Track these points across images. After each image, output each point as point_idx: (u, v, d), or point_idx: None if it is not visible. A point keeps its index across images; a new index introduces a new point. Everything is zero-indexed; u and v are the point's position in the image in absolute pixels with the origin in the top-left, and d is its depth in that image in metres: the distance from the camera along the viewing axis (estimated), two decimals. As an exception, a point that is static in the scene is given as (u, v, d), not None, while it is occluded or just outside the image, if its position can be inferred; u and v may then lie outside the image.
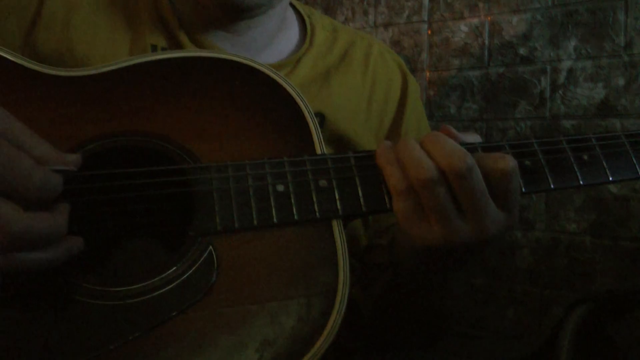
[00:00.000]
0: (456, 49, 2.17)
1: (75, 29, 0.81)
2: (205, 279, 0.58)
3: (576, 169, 0.69)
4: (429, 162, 0.60)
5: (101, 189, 0.60)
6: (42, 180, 0.51)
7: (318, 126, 0.68)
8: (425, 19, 2.24)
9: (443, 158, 0.60)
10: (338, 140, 0.89)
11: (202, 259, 0.59)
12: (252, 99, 0.69)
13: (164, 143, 0.64)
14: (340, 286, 0.59)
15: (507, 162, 0.61)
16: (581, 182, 0.68)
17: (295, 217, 0.61)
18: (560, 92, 1.97)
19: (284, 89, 0.69)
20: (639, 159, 0.72)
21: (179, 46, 0.84)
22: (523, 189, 0.65)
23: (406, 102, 0.98)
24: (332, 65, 0.94)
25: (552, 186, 0.67)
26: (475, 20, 2.13)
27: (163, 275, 0.58)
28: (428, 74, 2.23)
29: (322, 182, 0.63)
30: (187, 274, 0.58)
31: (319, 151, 0.66)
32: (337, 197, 0.63)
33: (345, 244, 0.62)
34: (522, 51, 2.04)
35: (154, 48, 0.83)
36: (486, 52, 2.11)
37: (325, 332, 0.57)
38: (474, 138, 0.68)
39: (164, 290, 0.57)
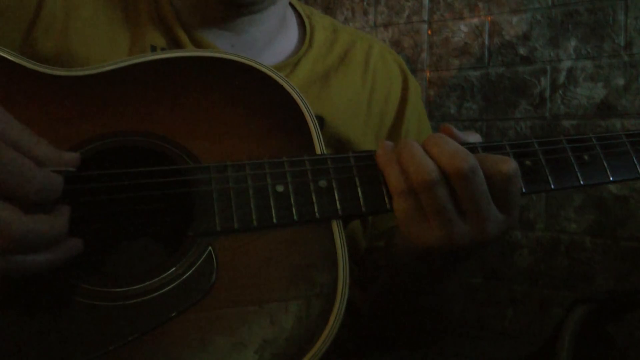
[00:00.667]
0: (456, 49, 2.17)
1: (74, 29, 0.81)
2: (204, 279, 0.58)
3: (576, 169, 0.68)
4: (430, 163, 0.60)
5: (100, 189, 0.60)
6: (42, 181, 0.51)
7: (318, 127, 0.68)
8: (425, 19, 2.23)
9: (446, 159, 0.60)
10: (338, 143, 0.88)
11: (201, 259, 0.59)
12: (252, 99, 0.69)
13: (164, 143, 0.64)
14: (339, 287, 0.59)
15: (509, 164, 0.61)
16: (581, 182, 0.68)
17: (295, 217, 0.61)
18: (560, 92, 1.97)
19: (284, 89, 0.69)
20: (640, 159, 0.71)
21: (178, 46, 0.84)
22: (523, 189, 0.65)
23: (407, 102, 0.97)
24: (331, 66, 0.93)
25: (552, 186, 0.67)
26: (475, 20, 2.13)
27: (162, 276, 0.58)
28: (428, 74, 2.23)
29: (322, 183, 0.63)
30: (187, 275, 0.58)
31: (318, 152, 0.66)
32: (336, 197, 0.63)
33: (345, 244, 0.62)
34: (522, 51, 2.04)
35: (154, 49, 0.83)
36: (486, 52, 2.11)
37: (325, 333, 0.57)
38: (474, 137, 0.68)
39: (163, 291, 0.57)
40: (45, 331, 0.54)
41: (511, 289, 2.08)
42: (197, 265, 0.59)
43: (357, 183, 0.64)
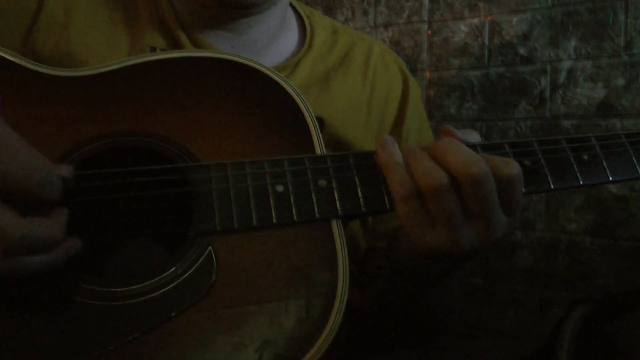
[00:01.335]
0: (456, 49, 2.17)
1: (74, 30, 0.81)
2: (204, 279, 0.58)
3: (576, 169, 0.68)
4: (440, 170, 0.60)
5: (100, 188, 0.60)
6: (40, 183, 0.50)
7: (318, 127, 0.68)
8: (425, 19, 2.23)
9: (459, 165, 0.59)
10: (338, 144, 0.88)
11: (201, 259, 0.59)
12: (252, 100, 0.69)
13: (164, 143, 0.64)
14: (339, 286, 0.59)
15: (513, 167, 0.60)
16: (581, 182, 0.68)
17: (295, 217, 0.61)
18: (560, 92, 1.97)
19: (285, 90, 0.69)
20: (639, 158, 0.71)
21: (178, 47, 0.84)
22: (523, 190, 0.65)
23: (407, 103, 0.97)
24: (331, 67, 0.93)
25: (552, 186, 0.67)
26: (475, 20, 2.13)
27: (162, 276, 0.58)
28: (428, 74, 2.23)
29: (322, 182, 0.63)
30: (187, 275, 0.58)
31: (318, 152, 0.66)
32: (336, 197, 0.63)
33: (345, 244, 0.62)
34: (522, 51, 2.04)
35: (153, 49, 0.83)
36: (486, 52, 2.11)
37: (325, 333, 0.57)
38: (472, 136, 0.68)
39: (163, 290, 0.57)
40: (45, 331, 0.54)
41: (511, 289, 2.08)
42: (197, 265, 0.59)
43: (357, 183, 0.64)
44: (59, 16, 0.81)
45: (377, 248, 0.90)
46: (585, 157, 0.69)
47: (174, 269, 0.58)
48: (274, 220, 0.61)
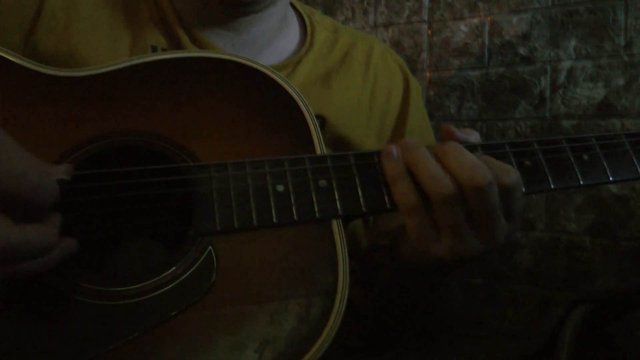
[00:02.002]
0: (456, 49, 2.17)
1: (75, 29, 0.81)
2: (204, 279, 0.58)
3: (576, 169, 0.68)
4: (447, 178, 0.59)
5: (100, 188, 0.60)
6: (33, 189, 0.50)
7: (318, 127, 0.68)
8: (425, 19, 2.23)
9: (464, 173, 0.59)
10: (339, 143, 0.88)
11: (201, 259, 0.59)
12: (253, 100, 0.69)
13: (164, 143, 0.64)
14: (340, 286, 0.59)
15: (512, 176, 0.61)
16: (581, 182, 0.68)
17: (295, 217, 0.61)
18: (560, 92, 1.97)
19: (285, 90, 0.69)
20: (639, 159, 0.71)
21: (178, 46, 0.84)
22: (524, 189, 0.65)
23: (409, 103, 0.97)
24: (332, 66, 0.93)
25: (552, 186, 0.67)
26: (475, 20, 2.13)
27: (162, 275, 0.58)
28: (428, 74, 2.23)
29: (322, 182, 0.63)
30: (187, 274, 0.58)
31: (319, 152, 0.66)
32: (336, 197, 0.63)
33: (345, 244, 0.62)
34: (522, 51, 2.04)
35: (154, 49, 0.83)
36: (486, 52, 2.11)
37: (325, 332, 0.57)
38: (473, 135, 0.68)
39: (163, 290, 0.57)
40: (45, 330, 0.54)
41: (511, 289, 2.07)
42: (197, 264, 0.59)
43: (357, 183, 0.64)
44: (60, 15, 0.81)
45: (379, 246, 0.90)
46: (586, 157, 0.69)
47: (174, 268, 0.58)
48: (274, 220, 0.61)
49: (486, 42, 2.11)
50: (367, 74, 0.96)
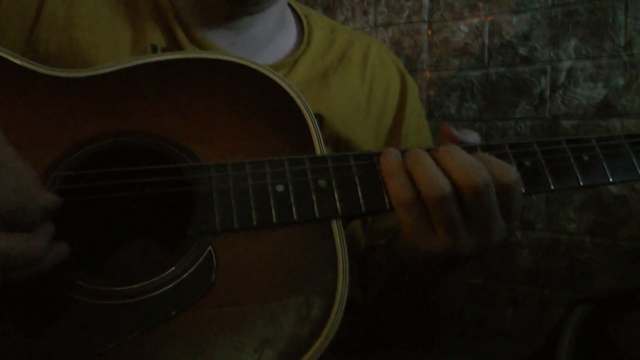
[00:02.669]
0: (456, 49, 2.17)
1: (77, 27, 0.81)
2: (204, 278, 0.58)
3: (576, 170, 0.68)
4: (443, 178, 0.60)
5: (100, 188, 0.60)
6: (21, 208, 0.50)
7: (318, 127, 0.68)
8: (425, 19, 2.23)
9: (461, 174, 0.59)
10: (337, 141, 0.89)
11: (201, 258, 0.59)
12: (252, 100, 0.69)
13: (164, 143, 0.64)
14: (339, 286, 0.59)
15: (511, 175, 0.61)
16: (581, 183, 0.68)
17: (295, 217, 0.61)
18: (560, 92, 1.97)
19: (284, 90, 0.69)
20: (639, 160, 0.72)
21: (177, 45, 0.84)
22: (523, 190, 0.65)
23: (405, 103, 0.98)
24: (330, 65, 0.94)
25: (552, 187, 0.67)
26: (475, 20, 2.13)
27: (162, 275, 0.58)
28: (428, 74, 2.23)
29: (322, 182, 0.63)
30: (187, 274, 0.58)
31: (318, 152, 0.66)
32: (336, 197, 0.63)
33: (345, 244, 0.62)
34: (522, 51, 2.04)
35: (154, 48, 0.83)
36: (486, 52, 2.11)
37: (325, 332, 0.57)
38: (472, 136, 0.68)
39: (163, 289, 0.57)
40: (44, 330, 0.54)
41: (511, 289, 2.07)
42: (196, 264, 0.59)
43: (357, 183, 0.64)
44: (61, 14, 0.81)
45: (377, 246, 0.90)
46: (586, 158, 0.69)
47: (174, 268, 0.58)
48: (274, 220, 0.61)
49: (486, 42, 2.11)
50: (364, 74, 0.96)
